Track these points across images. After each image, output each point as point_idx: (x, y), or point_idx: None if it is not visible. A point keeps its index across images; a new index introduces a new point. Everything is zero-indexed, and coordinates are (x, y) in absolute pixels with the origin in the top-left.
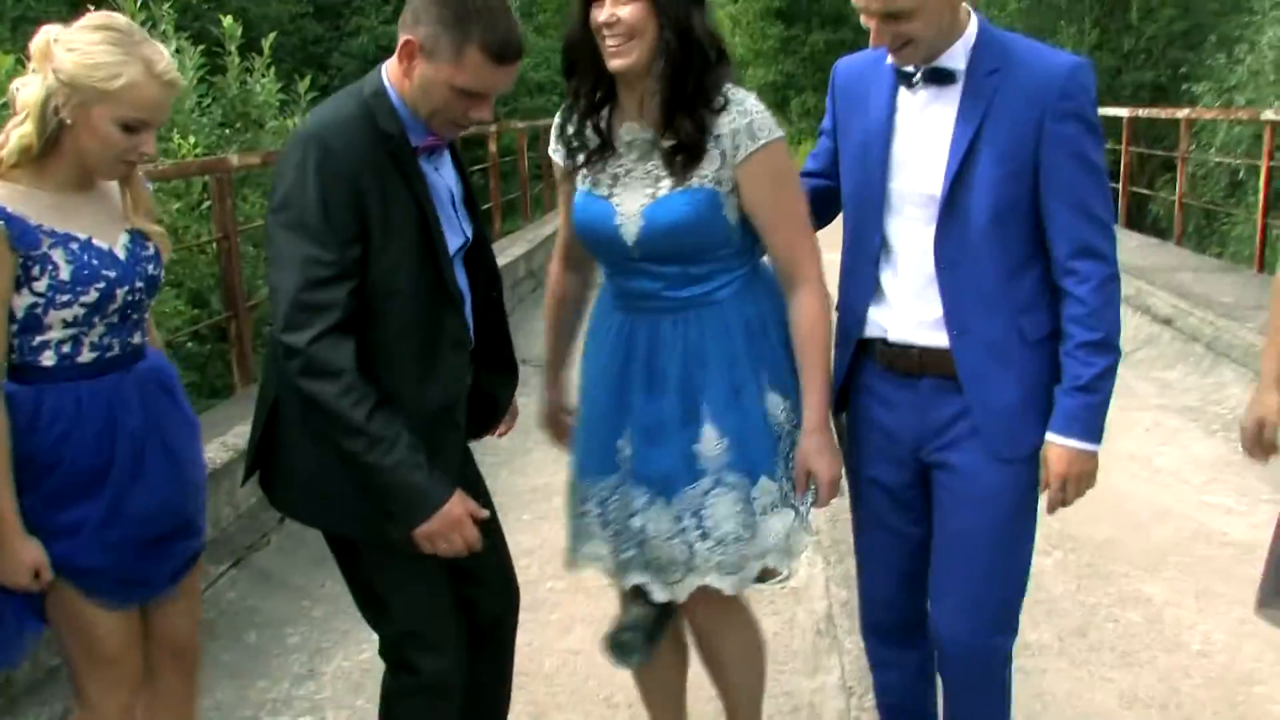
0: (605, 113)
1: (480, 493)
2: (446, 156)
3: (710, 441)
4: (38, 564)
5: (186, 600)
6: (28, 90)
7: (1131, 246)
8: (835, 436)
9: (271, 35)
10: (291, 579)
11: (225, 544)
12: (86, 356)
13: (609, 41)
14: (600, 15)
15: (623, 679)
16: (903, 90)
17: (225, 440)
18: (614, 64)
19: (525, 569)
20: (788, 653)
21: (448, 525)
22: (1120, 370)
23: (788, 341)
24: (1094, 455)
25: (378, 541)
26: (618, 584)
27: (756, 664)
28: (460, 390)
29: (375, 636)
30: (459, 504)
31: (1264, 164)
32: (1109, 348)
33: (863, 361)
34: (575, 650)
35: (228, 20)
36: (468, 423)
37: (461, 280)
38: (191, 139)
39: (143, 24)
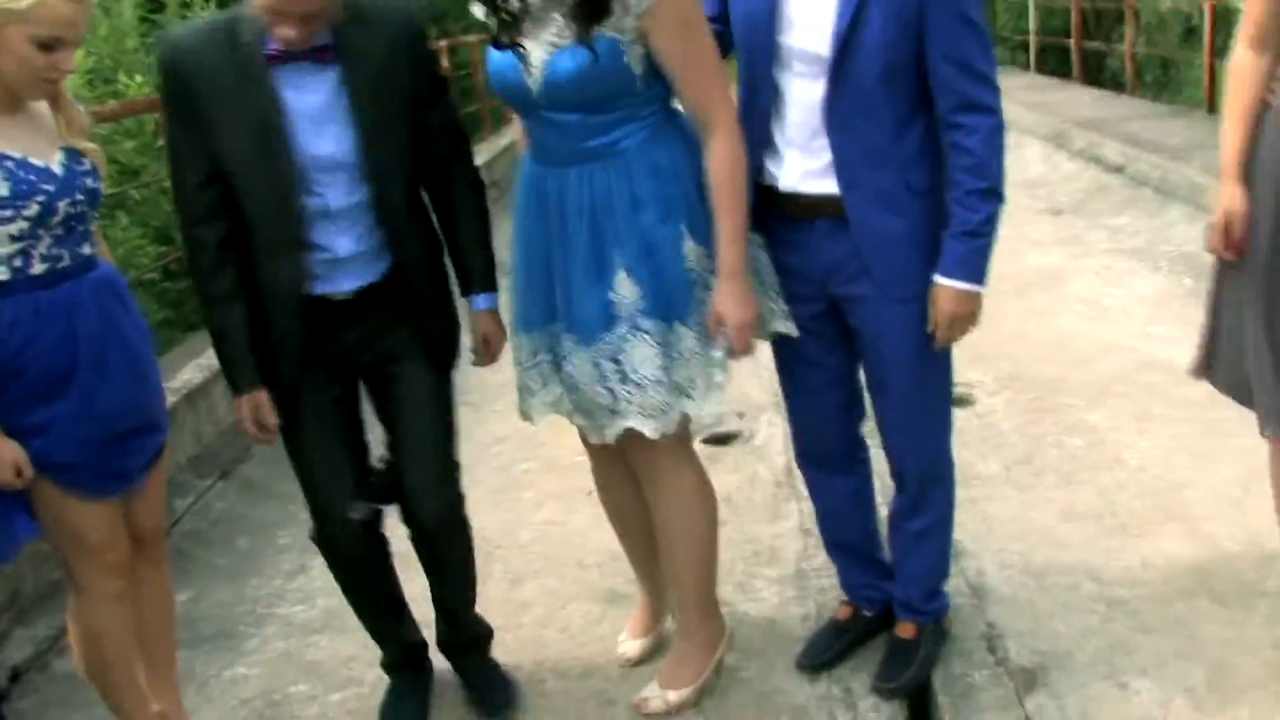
0: None
1: (404, 380)
2: (329, 73)
3: (624, 289)
4: (17, 461)
5: (153, 492)
6: None
7: (1086, 101)
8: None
9: None
10: (276, 487)
11: (210, 459)
12: (39, 268)
13: None
14: None
15: (593, 545)
16: None
17: (200, 362)
18: None
19: (499, 455)
20: (749, 505)
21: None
22: (1072, 221)
23: (705, 189)
24: (979, 296)
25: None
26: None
27: (695, 516)
28: (291, 287)
29: None
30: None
31: (1208, 3)
32: (995, 195)
33: (762, 207)
34: (548, 521)
35: None
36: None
37: (345, 185)
38: (138, 78)
39: None
